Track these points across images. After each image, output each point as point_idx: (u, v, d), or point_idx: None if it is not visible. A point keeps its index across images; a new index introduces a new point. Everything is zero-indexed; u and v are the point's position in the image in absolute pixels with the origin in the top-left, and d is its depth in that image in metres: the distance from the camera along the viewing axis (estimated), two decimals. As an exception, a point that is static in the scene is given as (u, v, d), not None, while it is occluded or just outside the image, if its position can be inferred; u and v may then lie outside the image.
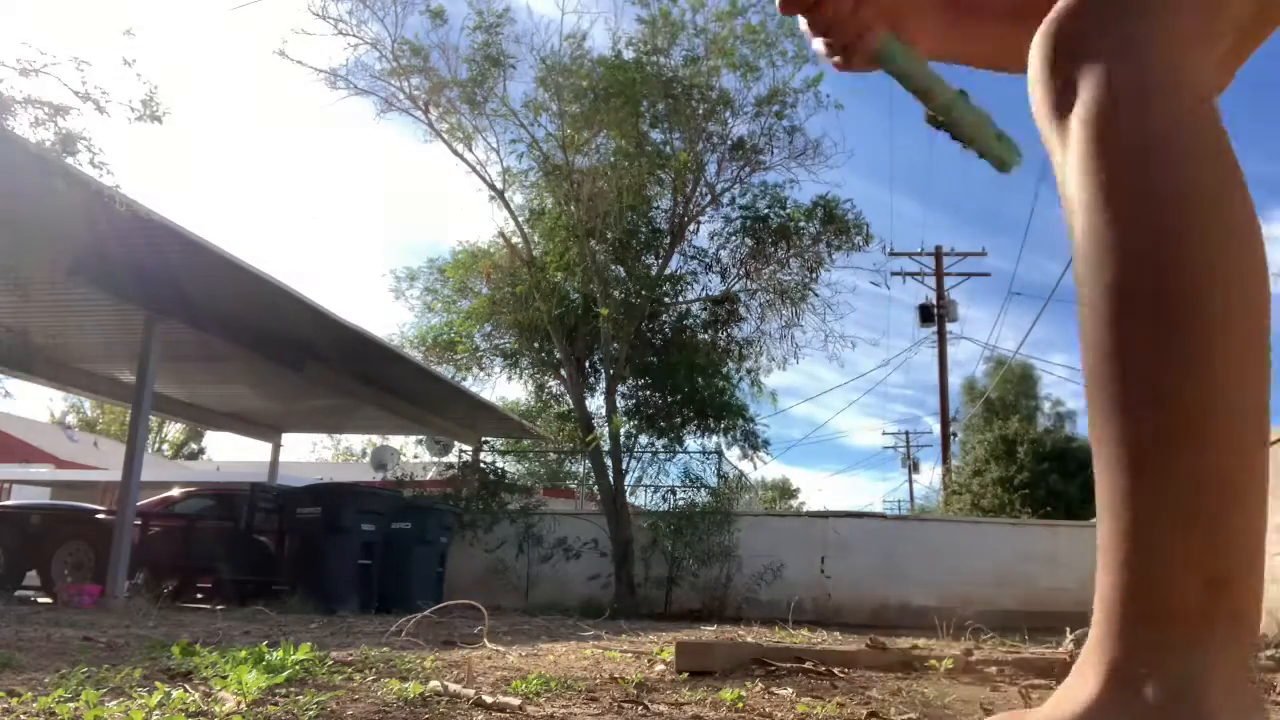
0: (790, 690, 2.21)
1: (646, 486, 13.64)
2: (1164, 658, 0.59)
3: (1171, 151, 0.65)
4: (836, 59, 1.00)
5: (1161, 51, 0.67)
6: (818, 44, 1.01)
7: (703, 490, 13.18)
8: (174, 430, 41.42)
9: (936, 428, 23.19)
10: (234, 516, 10.92)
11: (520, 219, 13.35)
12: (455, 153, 12.78)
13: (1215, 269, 0.62)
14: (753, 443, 13.18)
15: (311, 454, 37.58)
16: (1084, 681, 0.62)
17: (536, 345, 13.53)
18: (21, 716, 1.50)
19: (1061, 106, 0.70)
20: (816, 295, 13.61)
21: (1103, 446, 0.64)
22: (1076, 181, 0.68)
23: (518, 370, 14.57)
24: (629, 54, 12.56)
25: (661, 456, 13.48)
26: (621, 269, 13.02)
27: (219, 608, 8.90)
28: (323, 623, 5.92)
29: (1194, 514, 0.60)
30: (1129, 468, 0.62)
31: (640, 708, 1.85)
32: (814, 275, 13.50)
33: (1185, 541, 0.60)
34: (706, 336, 13.81)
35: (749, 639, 4.50)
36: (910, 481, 39.01)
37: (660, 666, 2.76)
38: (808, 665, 2.70)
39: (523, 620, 7.23)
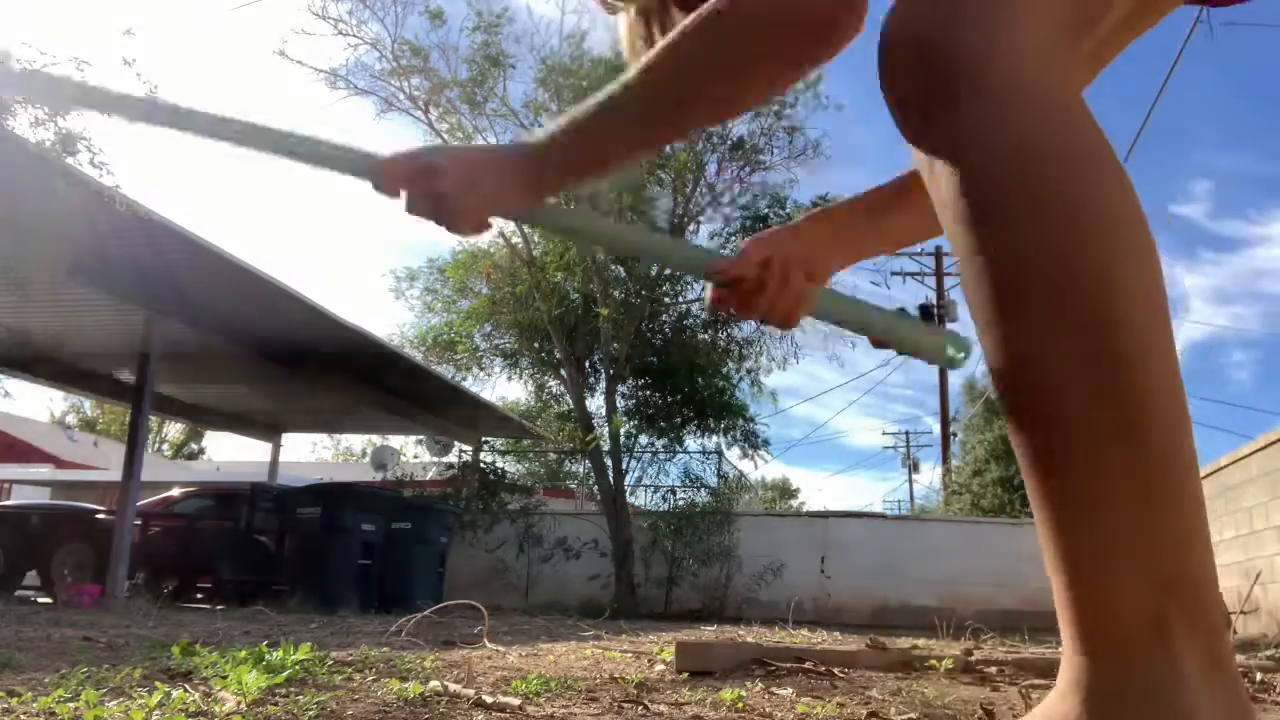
0: (790, 690, 2.21)
1: (646, 486, 13.66)
2: (1129, 663, 0.59)
3: (1051, 154, 0.63)
4: (777, 326, 1.05)
5: (1010, 57, 0.65)
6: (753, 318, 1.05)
7: (703, 490, 13.19)
8: (174, 430, 41.42)
9: (936, 428, 23.20)
10: (234, 516, 10.93)
11: (520, 219, 13.34)
12: (455, 153, 12.77)
13: (1115, 265, 0.61)
14: (753, 443, 13.20)
15: (311, 454, 37.58)
16: (1061, 695, 0.63)
17: (536, 345, 13.54)
18: (21, 716, 1.50)
19: (924, 116, 0.68)
20: (817, 295, 13.61)
21: (1025, 464, 0.63)
22: (952, 190, 0.66)
23: (518, 370, 14.58)
24: (629, 54, 12.56)
25: (661, 456, 13.49)
26: (621, 269, 13.02)
27: (219, 608, 8.90)
28: (323, 623, 5.92)
29: (1131, 517, 0.59)
30: (1045, 488, 0.62)
31: (640, 708, 1.85)
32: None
33: (1128, 551, 0.59)
34: (706, 336, 13.81)
35: (749, 639, 4.50)
36: (910, 481, 39.01)
37: (660, 666, 2.76)
38: (808, 665, 2.70)
39: (523, 620, 7.23)
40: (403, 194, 0.99)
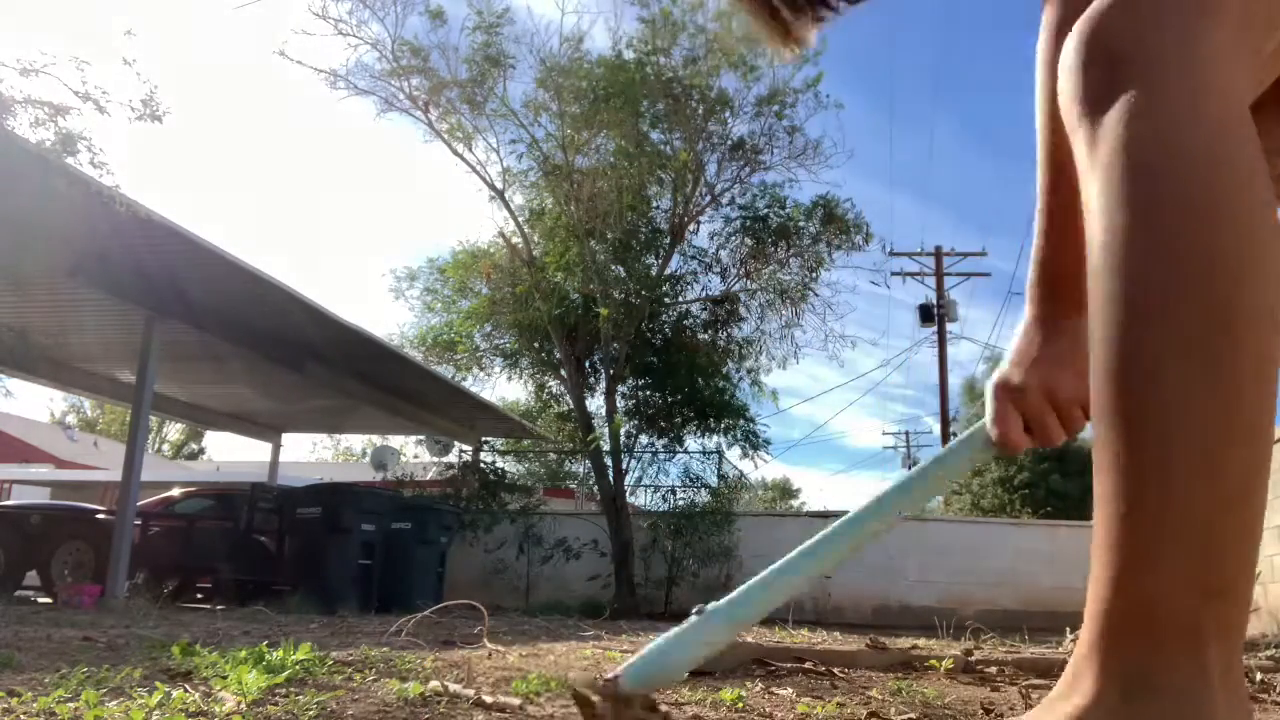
0: (790, 690, 2.21)
1: (646, 486, 13.64)
2: (1161, 668, 0.59)
3: (1205, 166, 0.63)
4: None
5: (1204, 63, 0.66)
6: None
7: (703, 490, 13.18)
8: (174, 430, 41.42)
9: (936, 428, 23.15)
10: (234, 516, 10.92)
11: (520, 219, 13.35)
12: (455, 153, 12.79)
13: (1241, 286, 0.61)
14: (753, 443, 13.18)
15: (311, 454, 37.63)
16: (1078, 687, 0.62)
17: (536, 345, 13.53)
18: (21, 716, 1.50)
19: (1094, 106, 0.68)
20: (816, 295, 13.62)
21: (1106, 453, 0.64)
22: (1101, 186, 0.67)
23: (518, 370, 14.58)
24: (629, 54, 12.57)
25: (661, 456, 13.47)
26: (621, 269, 13.01)
27: (219, 608, 8.90)
28: (323, 623, 5.91)
29: (1197, 528, 0.59)
30: (1134, 478, 0.62)
31: (640, 708, 1.85)
32: (814, 275, 13.51)
33: (1186, 556, 0.59)
34: (706, 336, 13.81)
35: (749, 639, 4.49)
36: (910, 481, 38.95)
37: (660, 666, 2.75)
38: (808, 665, 2.70)
39: (523, 620, 7.23)
40: (1027, 439, 0.98)
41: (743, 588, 0.98)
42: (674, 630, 0.95)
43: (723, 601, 0.96)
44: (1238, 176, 0.64)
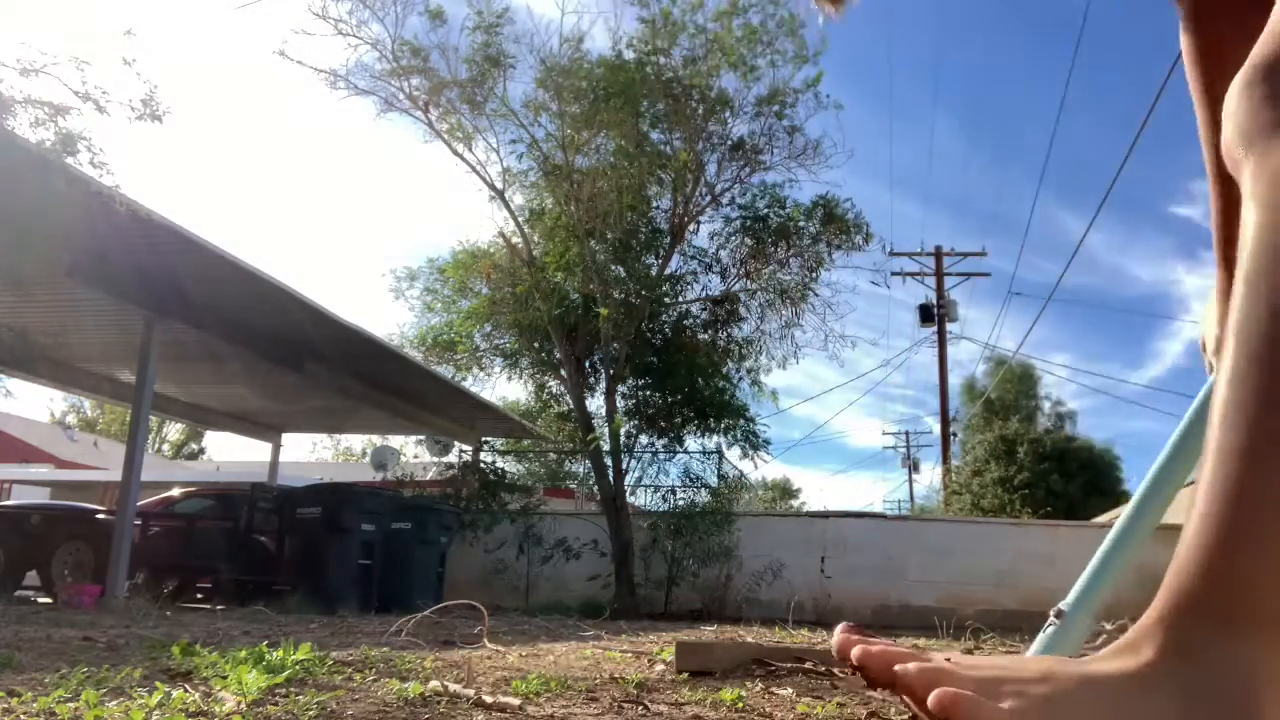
0: (790, 690, 2.21)
1: (646, 486, 13.64)
2: (1229, 645, 0.59)
3: None
4: None
5: None
6: None
7: (703, 490, 13.17)
8: (174, 430, 41.42)
9: (936, 428, 23.20)
10: (234, 516, 10.92)
11: (520, 219, 13.35)
12: (455, 153, 12.79)
13: None
14: (753, 443, 13.17)
15: (311, 454, 37.63)
16: (1140, 646, 0.62)
17: (536, 345, 13.53)
18: (21, 716, 1.50)
19: (1259, 137, 0.70)
20: (816, 295, 13.62)
21: (1227, 432, 0.64)
22: (1261, 217, 0.68)
23: (518, 370, 14.58)
24: (629, 54, 12.57)
25: (661, 456, 13.47)
26: (621, 269, 13.01)
27: (219, 608, 8.90)
28: (323, 623, 5.92)
29: None
30: (1250, 460, 0.61)
31: (640, 708, 1.85)
32: (814, 275, 13.51)
33: None
34: (706, 336, 13.80)
35: (749, 639, 4.50)
36: (910, 481, 39.02)
37: (660, 666, 2.76)
38: (808, 665, 2.70)
39: (523, 620, 7.23)
40: None
41: (1081, 582, 1.07)
42: (1040, 640, 1.05)
43: (1070, 598, 1.06)
44: None
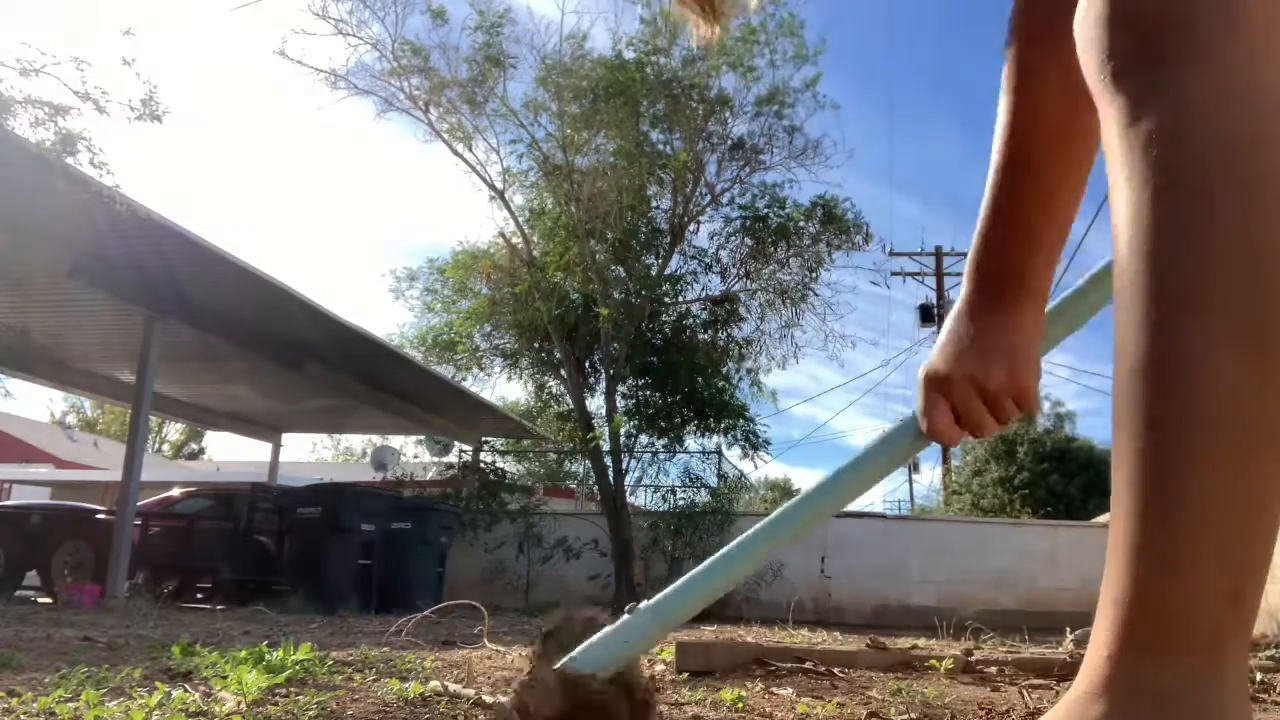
0: (790, 690, 2.21)
1: (646, 486, 13.64)
2: (1186, 677, 0.58)
3: (1261, 143, 0.58)
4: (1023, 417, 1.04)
5: (1254, 24, 0.60)
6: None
7: (703, 490, 13.18)
8: (174, 430, 41.41)
9: (936, 428, 23.16)
10: (234, 516, 10.92)
11: (520, 219, 13.35)
12: (455, 153, 12.79)
13: None
14: (753, 442, 13.18)
15: (311, 454, 37.66)
16: (1094, 692, 0.60)
17: (536, 345, 13.53)
18: (21, 716, 1.50)
19: (1126, 76, 0.62)
20: (816, 295, 13.62)
21: (1133, 451, 0.60)
22: (1137, 166, 0.61)
23: (518, 370, 14.58)
24: (629, 54, 12.57)
25: (661, 456, 13.47)
26: (621, 269, 13.02)
27: (219, 608, 8.90)
28: (323, 623, 5.92)
29: (1231, 531, 0.57)
30: (1166, 477, 0.58)
31: (640, 708, 1.85)
32: (814, 275, 13.52)
33: (1219, 559, 0.57)
34: (706, 336, 13.81)
35: (749, 639, 4.50)
36: (910, 481, 38.90)
37: (660, 666, 2.76)
38: (808, 665, 2.70)
39: (523, 620, 7.23)
40: (957, 430, 0.98)
41: (668, 590, 1.03)
42: (612, 626, 1.04)
43: (652, 601, 1.03)
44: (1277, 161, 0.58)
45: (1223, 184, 0.58)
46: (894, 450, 1.02)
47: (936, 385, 0.97)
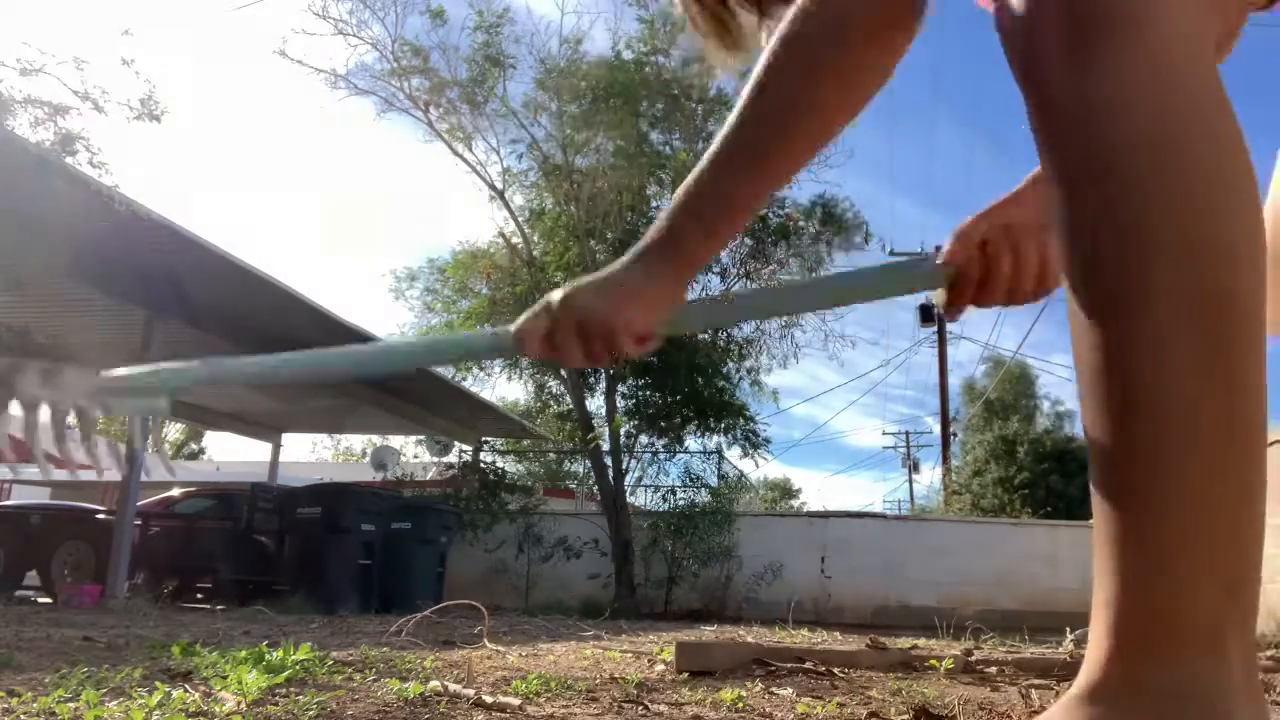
0: (790, 690, 2.21)
1: (646, 486, 13.65)
2: (1189, 672, 0.58)
3: (1203, 135, 0.59)
4: (1030, 301, 1.01)
5: (1168, 14, 0.61)
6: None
7: (703, 490, 13.18)
8: (174, 430, 41.41)
9: (936, 428, 23.21)
10: (234, 516, 10.93)
11: (520, 219, 13.36)
12: (455, 153, 12.80)
13: (1239, 257, 0.58)
14: (753, 442, 13.18)
15: (311, 454, 37.57)
16: (1094, 693, 0.60)
17: (536, 345, 13.52)
18: (21, 716, 1.50)
19: (1048, 67, 0.63)
20: (816, 295, 13.60)
21: (1101, 459, 0.61)
22: (1065, 161, 0.62)
23: (518, 370, 14.58)
24: (628, 54, 12.58)
25: (662, 456, 13.48)
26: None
27: (219, 608, 8.90)
28: (323, 623, 5.92)
29: (1218, 522, 0.58)
30: (1145, 473, 0.59)
31: (640, 708, 1.85)
32: (814, 275, 13.51)
33: (1209, 552, 0.58)
34: (706, 336, 13.81)
35: (749, 639, 4.50)
36: (910, 481, 39.02)
37: (660, 666, 2.76)
38: (808, 665, 2.70)
39: (523, 620, 7.23)
40: (555, 350, 1.00)
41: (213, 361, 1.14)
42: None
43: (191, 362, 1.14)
44: (1219, 144, 0.60)
45: (1153, 178, 0.59)
46: (478, 347, 1.19)
47: (969, 230, 1.00)
